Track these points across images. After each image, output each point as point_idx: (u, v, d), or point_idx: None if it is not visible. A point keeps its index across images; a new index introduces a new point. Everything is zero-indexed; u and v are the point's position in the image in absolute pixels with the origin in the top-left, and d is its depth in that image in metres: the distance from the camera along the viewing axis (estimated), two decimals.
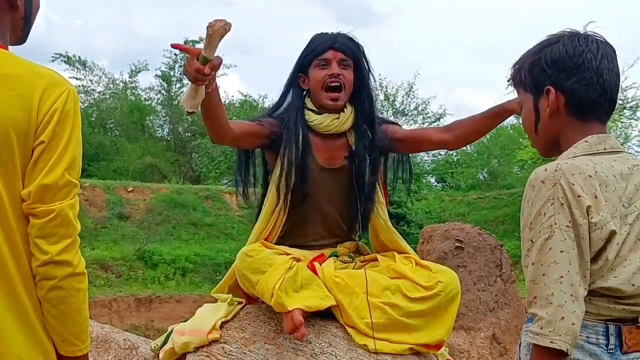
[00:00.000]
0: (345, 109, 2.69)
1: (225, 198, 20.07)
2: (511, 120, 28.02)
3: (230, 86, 34.73)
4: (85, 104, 26.84)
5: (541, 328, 1.64)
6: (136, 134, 26.33)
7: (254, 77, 57.37)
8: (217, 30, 2.03)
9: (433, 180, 28.19)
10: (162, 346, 2.72)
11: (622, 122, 22.75)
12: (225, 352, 2.51)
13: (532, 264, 1.68)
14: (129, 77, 28.10)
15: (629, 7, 59.10)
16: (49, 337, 1.62)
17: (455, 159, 28.52)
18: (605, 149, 1.78)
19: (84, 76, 27.23)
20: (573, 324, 1.62)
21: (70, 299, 1.58)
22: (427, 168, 27.96)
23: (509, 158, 24.62)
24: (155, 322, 14.16)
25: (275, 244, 2.70)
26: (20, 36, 1.76)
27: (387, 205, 2.79)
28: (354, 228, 2.81)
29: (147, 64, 28.34)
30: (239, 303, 2.70)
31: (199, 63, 2.09)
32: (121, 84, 28.14)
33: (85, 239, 16.35)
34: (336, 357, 2.47)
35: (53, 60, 26.20)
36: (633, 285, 1.71)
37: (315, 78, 2.64)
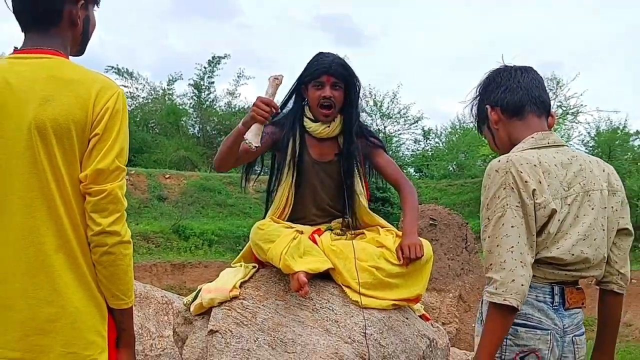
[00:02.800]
0: (335, 119, 2.70)
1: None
2: None
3: (249, 94, 34.54)
4: (132, 107, 26.75)
5: (496, 289, 1.65)
6: (172, 132, 26.25)
7: None
8: (278, 83, 2.36)
9: (412, 170, 28.15)
10: (192, 301, 2.72)
11: (565, 125, 22.71)
12: (244, 307, 2.51)
13: (489, 237, 1.70)
14: (167, 85, 28.01)
15: (573, 28, 58.95)
16: (101, 293, 1.62)
17: (430, 154, 28.49)
18: (548, 144, 1.80)
19: (131, 84, 27.22)
20: (522, 285, 1.64)
21: (118, 262, 1.59)
22: (408, 160, 27.94)
23: (473, 153, 24.55)
24: (187, 283, 14.19)
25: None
26: (79, 49, 1.76)
27: (367, 196, 2.78)
28: (342, 210, 2.79)
29: (181, 75, 28.39)
30: (254, 267, 2.70)
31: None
32: (160, 91, 28.03)
33: (131, 216, 16.35)
34: (333, 311, 2.47)
35: (106, 72, 26.13)
36: (572, 254, 1.73)
37: (312, 96, 2.65)
